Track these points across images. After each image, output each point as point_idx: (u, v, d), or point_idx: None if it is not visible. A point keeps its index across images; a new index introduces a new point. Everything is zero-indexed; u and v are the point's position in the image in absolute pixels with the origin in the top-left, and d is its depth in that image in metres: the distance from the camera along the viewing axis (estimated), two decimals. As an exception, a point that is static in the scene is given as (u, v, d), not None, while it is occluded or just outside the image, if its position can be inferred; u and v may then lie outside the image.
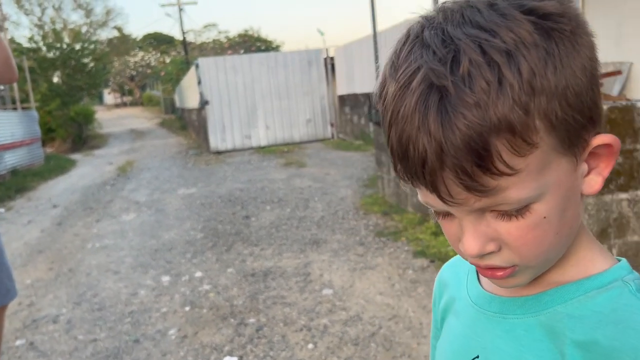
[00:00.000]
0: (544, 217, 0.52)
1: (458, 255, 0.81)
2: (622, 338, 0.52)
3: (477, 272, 0.72)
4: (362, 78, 13.07)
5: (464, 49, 0.47)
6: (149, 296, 4.43)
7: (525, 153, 0.48)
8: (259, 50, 32.32)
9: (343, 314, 3.74)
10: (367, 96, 12.34)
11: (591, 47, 0.52)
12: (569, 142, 0.51)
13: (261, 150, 14.03)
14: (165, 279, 4.82)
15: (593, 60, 0.52)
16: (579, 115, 0.50)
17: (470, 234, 0.53)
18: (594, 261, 0.59)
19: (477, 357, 0.64)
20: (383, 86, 0.54)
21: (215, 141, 14.36)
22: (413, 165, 0.50)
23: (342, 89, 14.59)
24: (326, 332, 3.51)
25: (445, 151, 0.47)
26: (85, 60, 24.42)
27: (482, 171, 0.47)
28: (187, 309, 4.11)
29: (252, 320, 3.80)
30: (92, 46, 25.56)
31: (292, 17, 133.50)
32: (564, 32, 0.49)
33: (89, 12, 40.69)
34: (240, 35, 35.74)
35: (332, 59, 14.99)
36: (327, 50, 15.01)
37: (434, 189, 0.50)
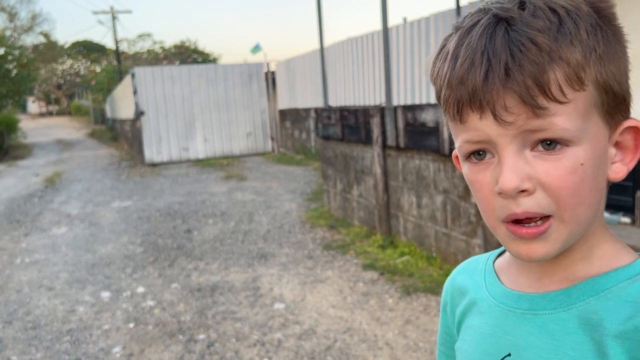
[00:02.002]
0: (582, 164, 0.55)
1: (467, 261, 0.80)
2: None
3: (496, 272, 0.71)
4: (304, 93, 13.13)
5: (530, 0, 0.55)
6: (88, 313, 4.18)
7: (575, 87, 0.53)
8: (195, 62, 31.81)
9: (297, 328, 3.68)
10: (310, 111, 12.40)
11: (625, 50, 0.59)
12: (607, 108, 0.57)
13: (199, 163, 13.74)
14: (105, 294, 4.57)
15: (627, 60, 0.60)
16: (619, 88, 0.57)
17: (510, 167, 0.55)
18: (618, 256, 0.61)
19: (509, 355, 0.64)
20: (441, 49, 0.60)
21: (151, 153, 13.93)
22: (472, 84, 0.54)
23: (283, 103, 14.59)
24: (281, 346, 3.43)
25: (510, 66, 0.52)
26: (9, 66, 23.09)
27: (539, 89, 0.52)
28: (131, 325, 3.90)
29: (202, 336, 3.66)
30: (16, 52, 24.22)
31: (230, 31, 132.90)
32: (613, 18, 0.57)
33: (12, 16, 38.69)
34: (176, 46, 35.04)
35: (273, 73, 14.97)
36: (268, 64, 15.00)
37: (490, 103, 0.53)
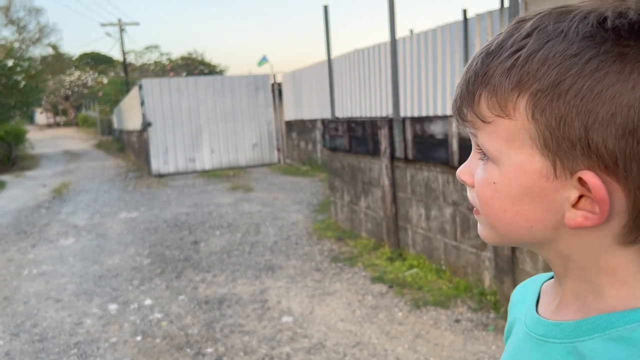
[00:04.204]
0: (494, 182, 0.58)
1: (538, 275, 0.80)
2: None
3: (539, 296, 0.71)
4: (310, 104, 13.15)
5: (524, 28, 0.55)
6: (95, 325, 4.16)
7: (496, 112, 0.55)
8: (202, 73, 32.00)
9: (305, 342, 3.64)
10: (316, 122, 12.41)
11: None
12: (550, 145, 0.52)
13: (206, 173, 13.75)
14: (113, 307, 4.55)
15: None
16: (569, 132, 0.51)
17: (466, 161, 0.63)
18: None
19: None
20: None
21: (157, 164, 13.96)
22: None
23: (290, 114, 14.62)
24: (289, 360, 3.40)
25: (463, 87, 0.59)
26: (17, 77, 23.29)
27: (464, 103, 0.58)
28: (138, 338, 3.88)
29: (209, 349, 3.63)
30: (25, 63, 24.43)
31: (237, 43, 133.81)
32: (611, 53, 0.49)
33: (21, 29, 39.08)
34: (183, 58, 35.28)
35: (279, 84, 15.02)
36: (274, 75, 15.05)
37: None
